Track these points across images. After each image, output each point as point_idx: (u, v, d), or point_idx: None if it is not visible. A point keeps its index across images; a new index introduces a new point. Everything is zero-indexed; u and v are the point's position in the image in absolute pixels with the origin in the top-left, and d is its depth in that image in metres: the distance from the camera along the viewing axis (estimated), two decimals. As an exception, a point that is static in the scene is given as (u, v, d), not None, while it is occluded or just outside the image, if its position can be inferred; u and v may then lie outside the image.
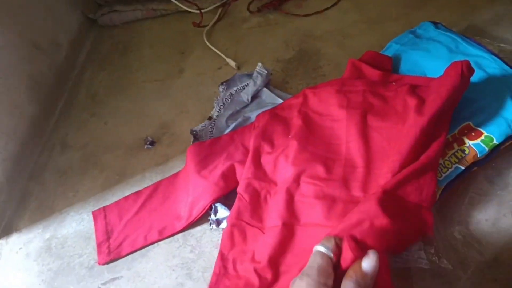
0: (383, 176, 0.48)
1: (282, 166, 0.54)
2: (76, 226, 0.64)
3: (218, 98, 0.70)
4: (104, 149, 0.73)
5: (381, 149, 0.51)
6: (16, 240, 0.65)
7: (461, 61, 0.50)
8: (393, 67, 0.64)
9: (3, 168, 0.70)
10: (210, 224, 0.57)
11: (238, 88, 0.71)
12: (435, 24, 0.67)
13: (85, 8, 0.96)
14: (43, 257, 0.61)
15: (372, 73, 0.61)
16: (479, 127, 0.51)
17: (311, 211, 0.48)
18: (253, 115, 0.67)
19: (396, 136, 0.51)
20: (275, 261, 0.47)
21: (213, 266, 0.51)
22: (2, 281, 0.60)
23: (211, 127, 0.68)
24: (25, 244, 0.64)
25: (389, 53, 0.66)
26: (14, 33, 0.76)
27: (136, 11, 0.95)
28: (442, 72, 0.60)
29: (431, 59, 0.62)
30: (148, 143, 0.70)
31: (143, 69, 0.85)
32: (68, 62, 0.89)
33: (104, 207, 0.63)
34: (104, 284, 0.55)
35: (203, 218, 0.58)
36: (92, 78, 0.87)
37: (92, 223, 0.62)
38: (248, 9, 0.88)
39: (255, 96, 0.70)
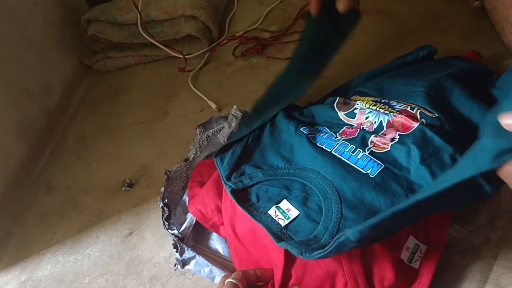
0: None
1: None
2: (51, 269, 0.64)
3: (195, 140, 0.71)
4: (85, 191, 0.74)
5: None
6: (-9, 283, 0.65)
7: None
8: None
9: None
10: (175, 265, 0.56)
11: (214, 131, 0.72)
12: None
13: (80, 55, 1.01)
14: (13, 300, 0.61)
15: None
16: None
17: None
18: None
19: None
20: None
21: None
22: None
23: (186, 169, 0.68)
24: (1, 286, 0.65)
25: None
26: (1, 80, 0.79)
27: (128, 57, 0.99)
28: None
29: None
30: (126, 185, 0.71)
31: (130, 112, 0.87)
32: (61, 106, 0.92)
33: None
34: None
35: (171, 260, 0.58)
36: (82, 121, 0.90)
37: (67, 264, 0.63)
38: (233, 53, 0.91)
39: (230, 137, 0.71)
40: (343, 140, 0.57)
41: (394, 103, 0.59)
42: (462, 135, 0.53)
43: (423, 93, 0.58)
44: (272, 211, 0.53)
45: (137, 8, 0.87)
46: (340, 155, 0.55)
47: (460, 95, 0.58)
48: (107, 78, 0.99)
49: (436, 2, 0.86)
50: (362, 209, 0.49)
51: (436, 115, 0.55)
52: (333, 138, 0.58)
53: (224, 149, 0.62)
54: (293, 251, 0.46)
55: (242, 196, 0.55)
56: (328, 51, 0.67)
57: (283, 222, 0.51)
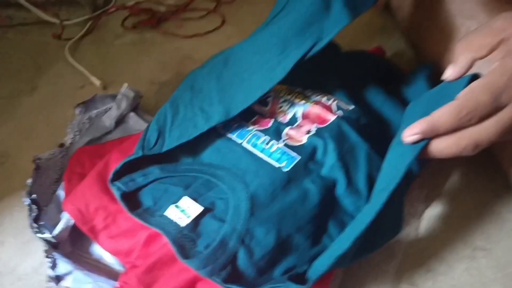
0: None
1: None
2: None
3: (74, 122, 0.59)
4: None
5: None
6: None
7: None
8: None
9: None
10: (48, 282, 0.45)
11: (99, 112, 0.60)
12: None
13: None
14: None
15: None
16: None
17: None
18: (116, 144, 0.57)
19: None
20: None
21: None
22: None
23: (61, 156, 0.56)
24: None
25: None
26: None
27: (-14, 17, 0.80)
28: None
29: None
30: (-23, 175, 0.56)
31: (-15, 85, 0.70)
32: None
33: None
34: None
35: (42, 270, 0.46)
36: None
37: None
38: (122, 24, 0.79)
39: (120, 121, 0.60)
40: (255, 130, 0.51)
41: (309, 93, 0.55)
42: (376, 130, 0.52)
43: (339, 84, 0.55)
44: (169, 212, 0.45)
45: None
46: (253, 148, 0.49)
47: (372, 88, 0.56)
48: (-45, 40, 0.79)
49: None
50: (273, 207, 0.45)
51: (352, 107, 0.53)
52: (245, 127, 0.52)
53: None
54: (202, 273, 0.40)
55: (134, 200, 0.47)
56: None
57: (183, 222, 0.44)
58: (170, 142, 0.50)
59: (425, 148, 0.37)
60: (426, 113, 0.37)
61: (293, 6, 0.51)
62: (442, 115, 0.35)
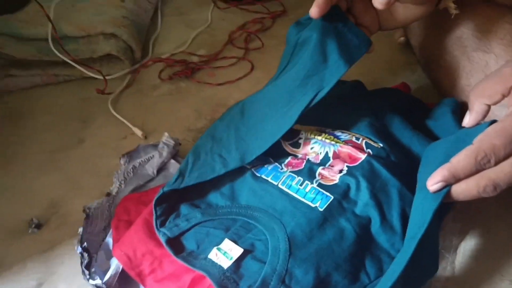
0: None
1: None
2: None
3: (119, 172, 0.63)
4: (-21, 234, 0.61)
5: None
6: None
7: None
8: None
9: None
10: None
11: (142, 161, 0.64)
12: None
13: (-26, 72, 0.86)
14: None
15: None
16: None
17: None
18: (158, 190, 0.60)
19: None
20: None
21: None
22: None
23: (108, 205, 0.60)
24: None
25: None
26: None
27: (35, 76, 0.87)
28: None
29: None
30: (33, 226, 0.60)
31: (35, 139, 0.75)
32: None
33: None
34: None
35: None
36: (-27, 150, 0.76)
37: None
38: (159, 76, 0.84)
39: (161, 168, 0.64)
40: (289, 172, 0.53)
41: (339, 133, 0.57)
42: (406, 166, 0.53)
43: (367, 123, 0.57)
44: (212, 254, 0.47)
45: (51, 21, 0.77)
46: (288, 189, 0.51)
47: (400, 125, 0.58)
48: (7, 99, 0.86)
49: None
50: (311, 247, 0.46)
51: (381, 145, 0.54)
52: (279, 169, 0.54)
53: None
54: None
55: (178, 244, 0.49)
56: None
57: (226, 264, 0.46)
58: (189, 181, 0.53)
59: (448, 193, 0.39)
60: (446, 159, 0.40)
61: (295, 61, 0.56)
62: (461, 160, 0.38)
